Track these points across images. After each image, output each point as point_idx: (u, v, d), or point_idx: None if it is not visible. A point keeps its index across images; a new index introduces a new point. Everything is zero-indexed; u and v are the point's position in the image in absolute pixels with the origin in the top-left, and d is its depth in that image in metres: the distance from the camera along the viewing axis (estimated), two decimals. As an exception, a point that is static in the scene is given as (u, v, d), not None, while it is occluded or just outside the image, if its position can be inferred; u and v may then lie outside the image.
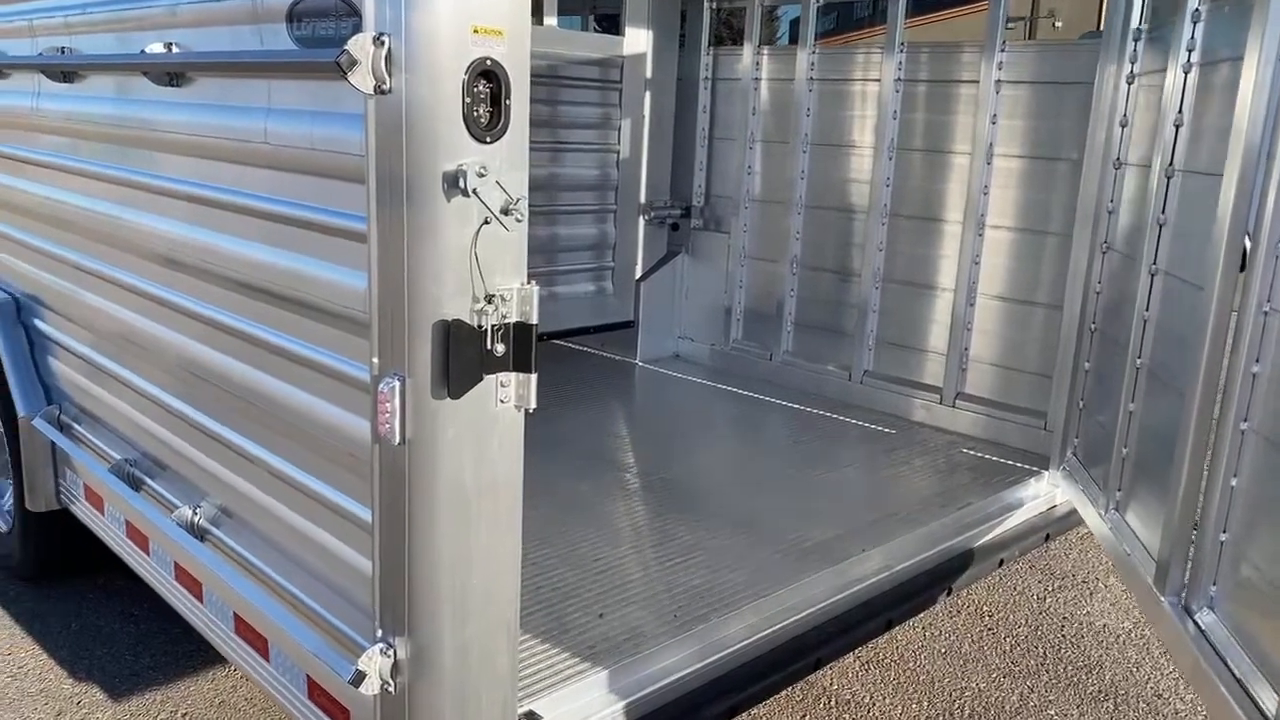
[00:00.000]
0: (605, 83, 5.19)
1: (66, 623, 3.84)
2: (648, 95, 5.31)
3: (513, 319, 1.95)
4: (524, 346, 1.97)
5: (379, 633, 2.09)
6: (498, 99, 1.85)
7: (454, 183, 1.80)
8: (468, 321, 1.89)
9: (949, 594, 3.37)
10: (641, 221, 5.48)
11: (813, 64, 4.86)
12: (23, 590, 4.05)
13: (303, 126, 2.13)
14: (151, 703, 3.40)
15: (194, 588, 2.82)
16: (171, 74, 2.51)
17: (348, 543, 2.21)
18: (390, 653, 2.07)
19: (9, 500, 4.04)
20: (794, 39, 5.04)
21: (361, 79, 1.78)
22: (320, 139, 2.08)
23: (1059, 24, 21.67)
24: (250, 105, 2.29)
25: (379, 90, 1.79)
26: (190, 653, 3.61)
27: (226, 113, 2.39)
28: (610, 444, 4.29)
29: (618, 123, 5.29)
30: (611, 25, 5.57)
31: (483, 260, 1.88)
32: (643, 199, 5.45)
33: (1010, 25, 4.36)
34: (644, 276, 5.52)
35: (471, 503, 1.99)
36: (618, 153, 5.34)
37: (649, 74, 5.28)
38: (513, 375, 1.98)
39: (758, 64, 5.08)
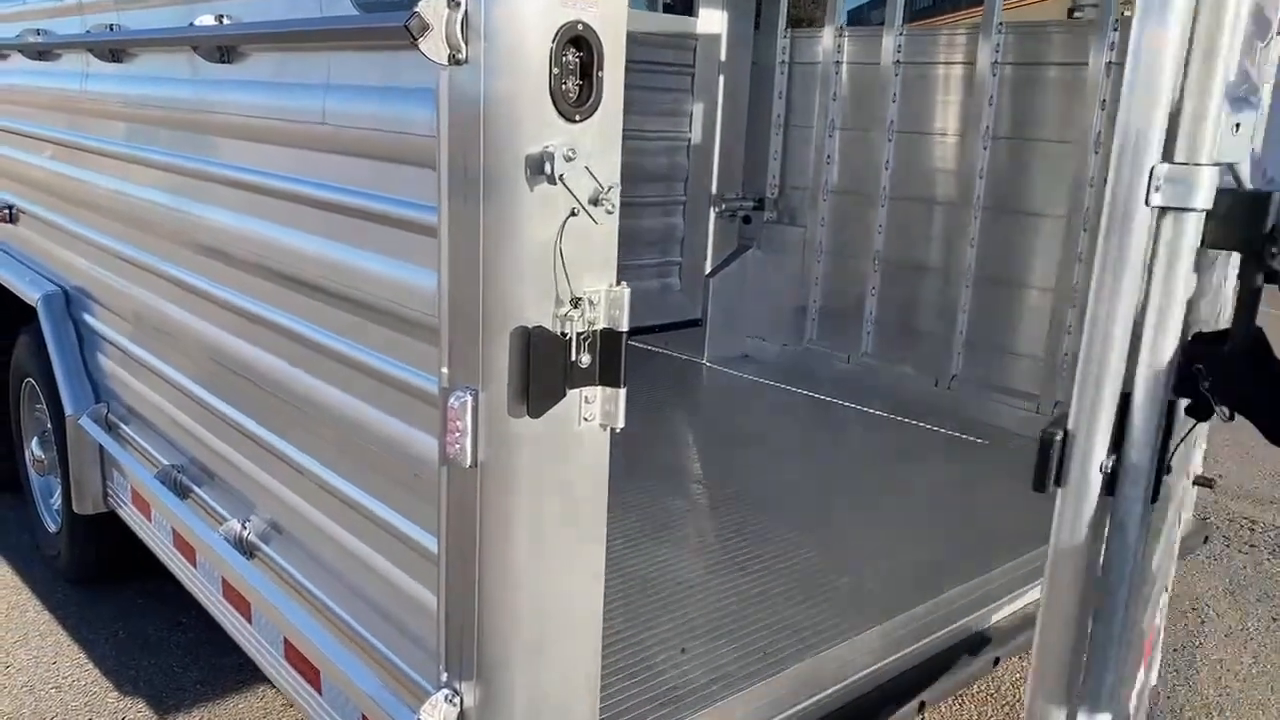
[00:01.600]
0: (677, 66, 4.92)
1: (113, 630, 3.68)
2: (721, 80, 5.03)
3: (600, 326, 1.70)
4: (612, 357, 1.72)
5: (444, 676, 1.85)
6: (589, 70, 1.59)
7: (538, 168, 1.55)
8: (550, 329, 1.64)
9: (1059, 627, 3.05)
10: (712, 214, 5.21)
11: (899, 46, 4.54)
12: (69, 594, 3.90)
13: (366, 104, 1.89)
14: (198, 720, 3.22)
15: (242, 607, 2.62)
16: (223, 48, 2.30)
17: (410, 573, 1.97)
18: (456, 700, 1.83)
19: (58, 499, 3.90)
20: (851, 24, 4.75)
21: (434, 47, 1.53)
22: (385, 118, 1.84)
23: (1129, 13, 20.90)
24: (307, 82, 2.06)
25: (454, 60, 1.55)
26: (239, 665, 3.42)
27: (281, 91, 2.16)
28: (679, 453, 4.03)
29: (689, 109, 5.02)
30: (681, 7, 5.28)
31: (568, 258, 1.63)
32: (714, 190, 5.17)
33: (1078, 13, 4.01)
34: (713, 272, 5.24)
35: (550, 535, 1.75)
36: (688, 141, 5.07)
37: (723, 57, 5.00)
38: (599, 390, 1.73)
39: (839, 47, 4.77)
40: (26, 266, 3.94)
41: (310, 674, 2.33)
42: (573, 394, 1.69)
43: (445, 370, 1.69)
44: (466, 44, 1.53)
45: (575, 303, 1.65)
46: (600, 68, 1.60)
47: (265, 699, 3.31)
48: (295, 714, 3.24)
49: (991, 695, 3.54)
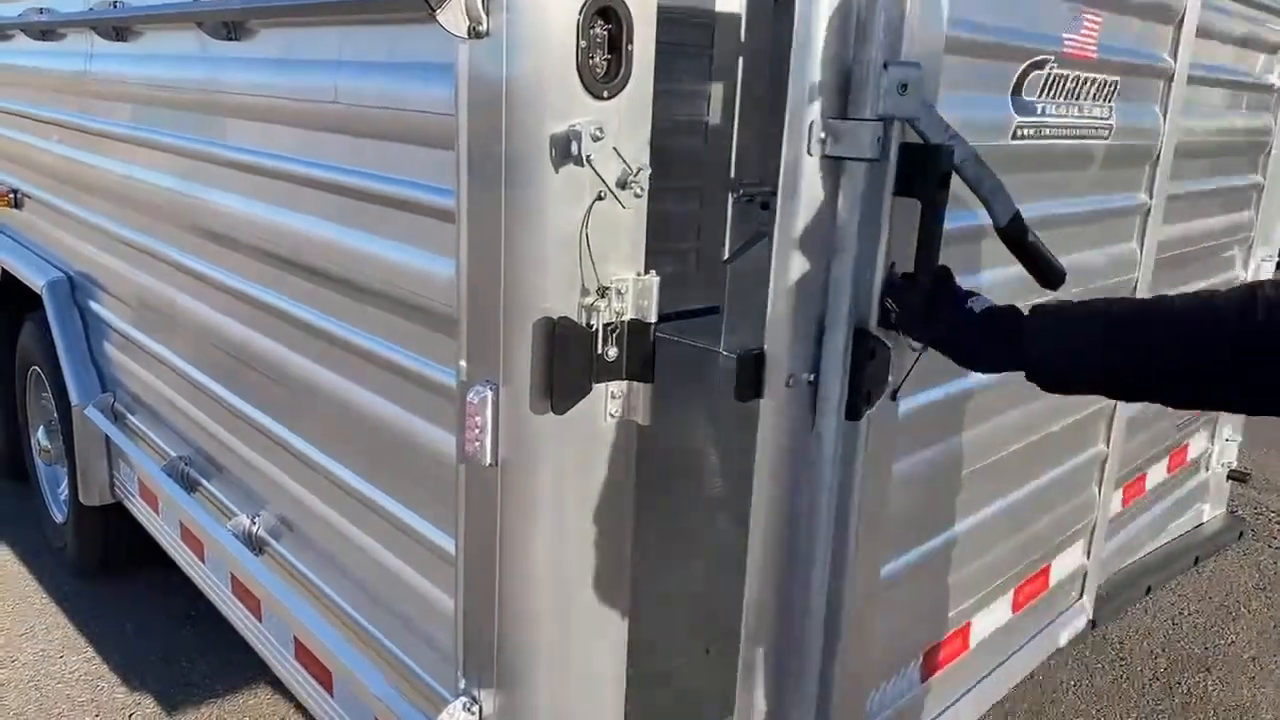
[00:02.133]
0: (694, 46, 4.79)
1: (121, 623, 3.61)
2: (740, 60, 4.90)
3: (628, 316, 1.60)
4: (640, 349, 1.63)
5: (462, 683, 1.77)
6: (618, 44, 1.49)
7: (564, 148, 1.45)
8: (575, 319, 1.54)
9: (1093, 628, 2.96)
10: (730, 199, 5.08)
11: (924, 27, 4.41)
12: (78, 586, 3.84)
13: (379, 82, 1.80)
14: (207, 718, 3.15)
15: (251, 604, 2.55)
16: (229, 24, 2.20)
17: (426, 575, 1.89)
18: (475, 709, 1.76)
19: (65, 489, 3.83)
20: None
21: (453, 19, 1.44)
22: (400, 97, 1.74)
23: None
24: (317, 59, 1.97)
25: (474, 33, 1.45)
26: (248, 661, 3.33)
27: (291, 69, 2.07)
28: (695, 447, 3.92)
29: (706, 90, 4.89)
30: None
31: (594, 245, 1.53)
32: (731, 174, 5.05)
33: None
34: (731, 259, 5.12)
35: (573, 536, 1.66)
36: (705, 123, 4.94)
37: (742, 37, 4.86)
38: (625, 385, 1.64)
39: (861, 27, 4.64)
40: (32, 252, 3.86)
41: (321, 675, 2.26)
42: (598, 389, 1.60)
43: (463, 363, 1.60)
44: (488, 15, 1.44)
45: (602, 292, 1.56)
46: (630, 41, 1.50)
47: (275, 695, 3.24)
48: (307, 712, 3.17)
49: (1018, 696, 3.45)
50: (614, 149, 1.50)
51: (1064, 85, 2.00)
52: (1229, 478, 3.78)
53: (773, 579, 1.76)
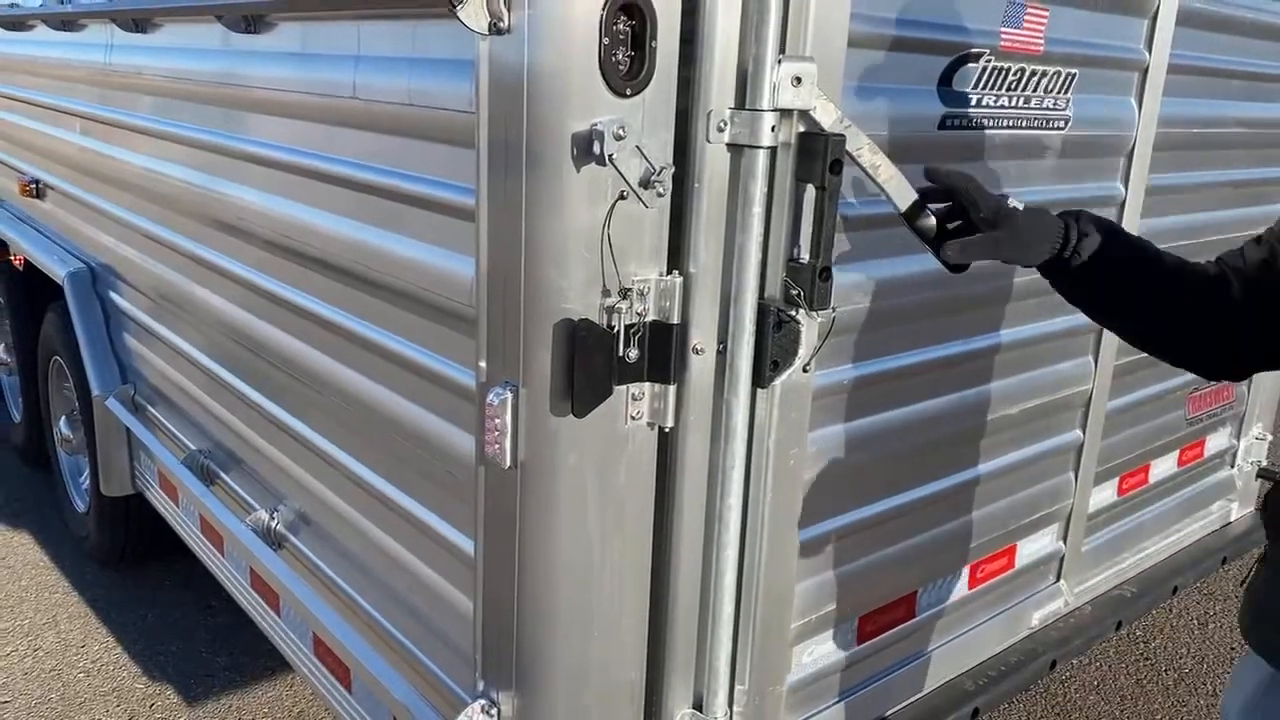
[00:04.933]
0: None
1: (142, 613, 3.63)
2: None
3: (650, 317, 1.58)
4: (662, 351, 1.61)
5: (480, 685, 1.76)
6: (641, 40, 1.46)
7: (586, 147, 1.43)
8: (596, 321, 1.52)
9: (1119, 628, 2.92)
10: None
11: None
12: (98, 575, 3.86)
13: (399, 78, 1.77)
14: (227, 709, 3.16)
15: (270, 598, 2.54)
16: (249, 18, 2.18)
17: (445, 576, 1.88)
18: (494, 711, 1.74)
19: (87, 478, 3.85)
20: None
21: (474, 15, 1.41)
22: (420, 93, 1.72)
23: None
24: (336, 53, 1.94)
25: (495, 29, 1.42)
26: (268, 652, 3.35)
27: (310, 63, 2.05)
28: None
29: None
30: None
31: (616, 245, 1.51)
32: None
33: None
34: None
35: (594, 540, 1.64)
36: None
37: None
38: (647, 387, 1.62)
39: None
40: (53, 242, 3.87)
41: (340, 672, 2.25)
42: (619, 391, 1.58)
43: (483, 364, 1.58)
44: (509, 11, 1.41)
45: (624, 293, 1.53)
46: (653, 37, 1.47)
47: (295, 687, 3.25)
48: (324, 704, 3.18)
49: (1042, 694, 3.42)
50: (637, 147, 1.47)
51: (1004, 78, 2.01)
52: (1259, 476, 3.71)
53: (693, 533, 1.78)
